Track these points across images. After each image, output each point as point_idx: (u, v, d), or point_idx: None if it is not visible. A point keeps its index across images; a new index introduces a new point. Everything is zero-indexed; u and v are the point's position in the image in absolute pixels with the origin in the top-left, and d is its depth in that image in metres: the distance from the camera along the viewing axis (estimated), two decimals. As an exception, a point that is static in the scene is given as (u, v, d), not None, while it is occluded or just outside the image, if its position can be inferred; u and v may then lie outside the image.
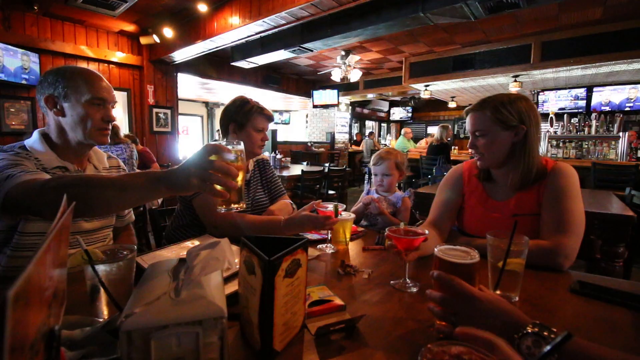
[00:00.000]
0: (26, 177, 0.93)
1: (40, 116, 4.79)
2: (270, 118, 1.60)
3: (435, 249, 0.74)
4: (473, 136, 1.25)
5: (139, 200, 0.87)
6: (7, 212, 0.93)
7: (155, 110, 5.92)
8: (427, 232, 0.91)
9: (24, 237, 1.06)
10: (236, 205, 0.83)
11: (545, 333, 0.52)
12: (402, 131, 8.43)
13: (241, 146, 0.82)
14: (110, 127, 1.21)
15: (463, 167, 1.41)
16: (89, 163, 1.28)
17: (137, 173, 0.81)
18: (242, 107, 1.54)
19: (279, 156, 5.54)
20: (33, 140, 1.15)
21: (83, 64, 5.13)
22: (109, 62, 5.38)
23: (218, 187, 0.74)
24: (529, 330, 0.53)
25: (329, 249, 1.24)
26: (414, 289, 0.89)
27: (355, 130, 11.67)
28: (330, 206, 1.24)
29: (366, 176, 10.00)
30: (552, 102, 7.77)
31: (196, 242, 1.16)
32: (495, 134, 1.20)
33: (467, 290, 0.61)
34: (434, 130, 10.52)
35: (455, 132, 11.24)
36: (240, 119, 1.53)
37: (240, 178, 0.78)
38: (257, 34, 4.24)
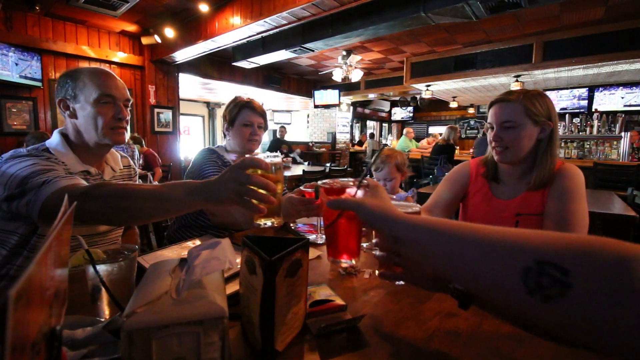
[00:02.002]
0: (62, 182, 0.92)
1: (42, 116, 4.81)
2: (257, 110, 1.59)
3: None
4: (500, 128, 1.21)
5: (174, 212, 0.85)
6: (45, 219, 0.92)
7: (156, 110, 5.93)
8: (353, 186, 0.78)
9: (42, 239, 1.06)
10: (273, 220, 0.80)
11: None
12: (404, 131, 8.43)
13: (279, 159, 0.80)
14: (125, 125, 1.19)
15: (470, 164, 1.40)
16: (107, 165, 1.27)
17: (175, 184, 0.80)
18: (230, 104, 1.60)
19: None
20: (56, 143, 1.14)
21: (84, 64, 5.14)
22: (111, 63, 5.40)
23: (255, 201, 0.72)
24: None
25: (319, 239, 1.23)
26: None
27: (356, 130, 11.68)
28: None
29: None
30: (553, 102, 7.74)
31: (197, 242, 1.16)
32: (526, 127, 1.16)
33: None
34: (435, 130, 10.56)
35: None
36: (230, 116, 1.58)
37: (278, 191, 0.76)
38: (258, 34, 4.24)
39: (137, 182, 1.44)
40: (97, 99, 1.11)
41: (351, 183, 0.76)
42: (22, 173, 0.95)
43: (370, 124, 12.71)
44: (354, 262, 0.75)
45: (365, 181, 0.70)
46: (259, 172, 0.74)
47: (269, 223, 0.80)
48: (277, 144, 7.61)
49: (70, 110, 1.13)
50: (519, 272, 0.37)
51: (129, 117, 1.21)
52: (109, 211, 0.82)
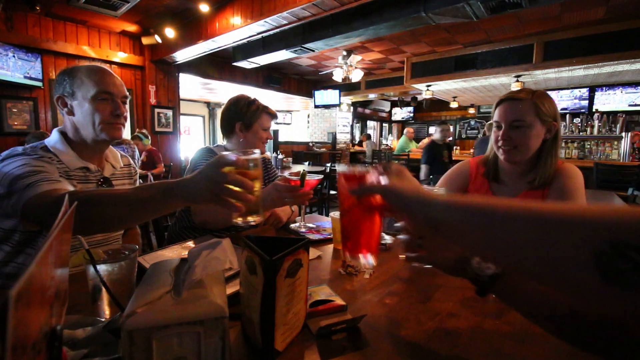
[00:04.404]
0: (43, 187, 0.91)
1: (42, 116, 4.81)
2: (274, 116, 1.63)
3: None
4: (509, 126, 1.18)
5: (154, 213, 0.84)
6: (27, 221, 0.92)
7: (157, 110, 5.93)
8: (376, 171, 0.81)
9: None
10: (253, 218, 0.77)
11: None
12: (404, 131, 8.41)
13: (257, 154, 0.77)
14: (122, 121, 1.19)
15: (470, 163, 1.39)
16: (107, 162, 1.28)
17: (147, 185, 0.78)
18: (249, 107, 1.57)
19: (280, 156, 5.55)
20: (54, 141, 1.14)
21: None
22: (111, 63, 5.39)
23: (232, 200, 0.70)
24: None
25: (303, 227, 1.30)
26: None
27: (356, 131, 11.68)
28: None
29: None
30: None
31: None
32: (535, 126, 1.16)
33: None
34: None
35: (457, 132, 11.22)
36: (248, 119, 1.56)
37: (256, 189, 0.74)
38: (258, 34, 4.24)
39: (137, 181, 1.44)
40: (94, 96, 1.12)
41: (370, 169, 0.66)
42: (13, 173, 0.95)
43: (370, 124, 12.70)
44: (373, 262, 0.65)
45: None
46: (236, 169, 0.71)
47: (248, 221, 0.77)
48: (437, 151, 4.46)
49: (68, 108, 1.14)
50: (591, 256, 0.31)
51: (127, 114, 1.21)
52: (83, 220, 0.76)
